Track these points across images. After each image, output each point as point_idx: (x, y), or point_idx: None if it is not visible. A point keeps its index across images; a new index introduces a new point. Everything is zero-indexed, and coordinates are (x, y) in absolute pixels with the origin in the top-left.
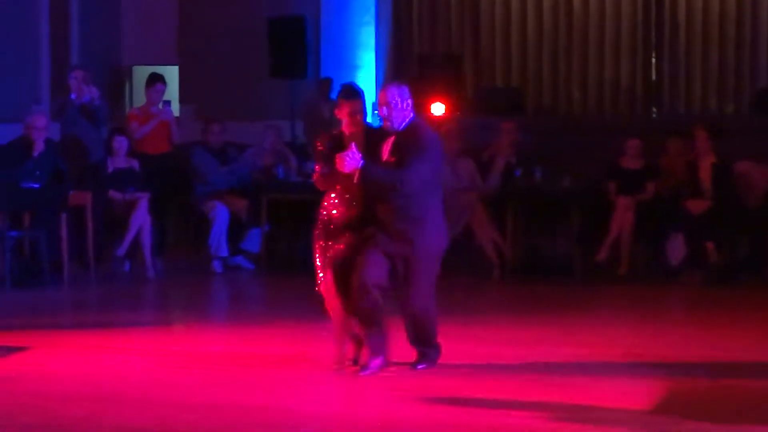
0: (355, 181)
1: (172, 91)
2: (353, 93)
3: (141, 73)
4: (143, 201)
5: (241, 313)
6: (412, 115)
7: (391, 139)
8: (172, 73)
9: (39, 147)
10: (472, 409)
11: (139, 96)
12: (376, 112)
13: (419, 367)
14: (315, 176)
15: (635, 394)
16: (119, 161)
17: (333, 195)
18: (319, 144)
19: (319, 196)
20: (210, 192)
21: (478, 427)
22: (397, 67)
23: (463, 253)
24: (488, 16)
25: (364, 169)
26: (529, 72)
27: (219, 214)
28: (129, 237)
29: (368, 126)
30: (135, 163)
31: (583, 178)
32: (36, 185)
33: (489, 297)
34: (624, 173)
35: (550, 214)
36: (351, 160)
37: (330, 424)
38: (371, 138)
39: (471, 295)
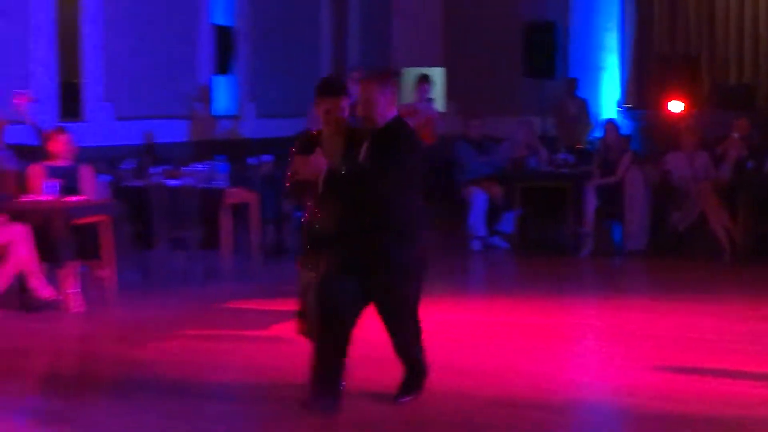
0: (319, 188)
1: (438, 90)
2: (329, 89)
3: (410, 74)
4: None
5: (497, 287)
6: (394, 111)
7: (369, 139)
8: (438, 74)
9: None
10: (709, 378)
11: (407, 94)
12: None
13: (402, 400)
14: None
15: None
16: None
17: (311, 204)
18: (295, 143)
19: (564, 183)
20: (469, 179)
21: (717, 395)
22: (639, 67)
23: (697, 237)
24: (723, 16)
25: (327, 175)
26: (761, 69)
27: (477, 198)
28: None
29: (352, 126)
30: None
31: None
32: None
33: (722, 278)
34: None
35: None
36: (313, 166)
37: (579, 389)
38: (354, 139)
39: (704, 275)
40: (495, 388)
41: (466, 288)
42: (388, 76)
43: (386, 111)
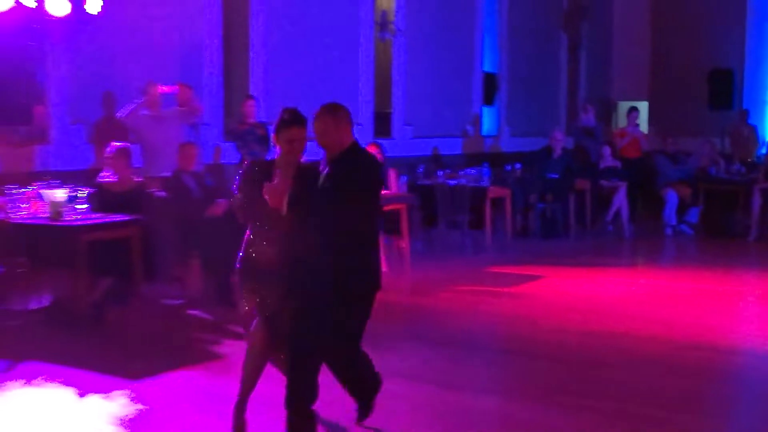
0: (282, 212)
1: (643, 117)
2: (296, 118)
3: (623, 106)
4: (622, 187)
5: (684, 262)
6: (350, 141)
7: (328, 169)
8: (643, 106)
9: (557, 152)
10: None
11: (621, 120)
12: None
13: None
14: (234, 204)
15: None
16: (607, 161)
17: (252, 232)
18: (246, 170)
19: (737, 186)
20: (665, 182)
21: None
22: None
23: None
24: None
25: (292, 198)
26: None
27: (671, 196)
28: (612, 210)
29: (305, 162)
30: (618, 163)
31: None
32: (555, 176)
33: None
34: None
35: None
36: (278, 190)
37: (745, 338)
38: (305, 173)
39: None
40: (683, 335)
41: (662, 262)
42: (339, 108)
43: (341, 140)
